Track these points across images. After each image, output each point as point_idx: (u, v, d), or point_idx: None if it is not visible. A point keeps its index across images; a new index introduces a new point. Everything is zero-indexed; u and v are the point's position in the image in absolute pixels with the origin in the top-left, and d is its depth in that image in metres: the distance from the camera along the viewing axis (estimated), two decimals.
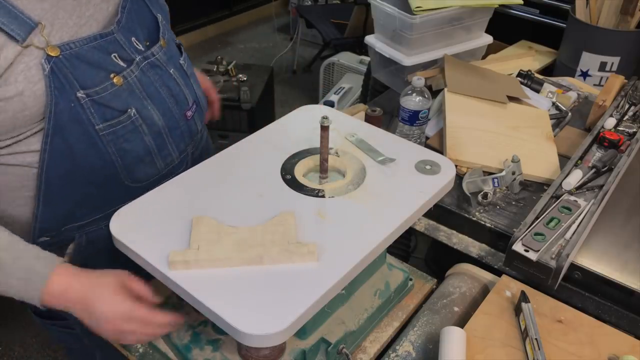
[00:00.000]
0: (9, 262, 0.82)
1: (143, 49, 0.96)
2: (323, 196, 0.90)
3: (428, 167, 0.96)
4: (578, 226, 1.04)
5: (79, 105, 0.86)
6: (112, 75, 0.90)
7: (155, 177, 1.01)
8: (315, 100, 3.48)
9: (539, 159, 1.30)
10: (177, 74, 1.02)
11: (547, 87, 1.59)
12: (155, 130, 0.98)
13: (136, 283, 0.85)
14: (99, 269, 0.87)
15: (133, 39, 0.94)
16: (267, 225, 0.82)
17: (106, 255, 0.94)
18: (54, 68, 0.82)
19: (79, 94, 0.86)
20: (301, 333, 0.88)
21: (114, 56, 0.90)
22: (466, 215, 1.19)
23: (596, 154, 1.26)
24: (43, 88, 0.82)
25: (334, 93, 2.89)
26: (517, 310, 0.93)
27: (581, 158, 1.24)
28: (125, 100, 0.92)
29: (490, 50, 1.80)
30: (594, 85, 1.78)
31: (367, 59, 2.96)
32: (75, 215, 0.96)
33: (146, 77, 0.95)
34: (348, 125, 1.08)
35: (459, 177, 1.22)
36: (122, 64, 0.91)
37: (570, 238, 1.02)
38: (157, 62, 0.97)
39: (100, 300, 0.82)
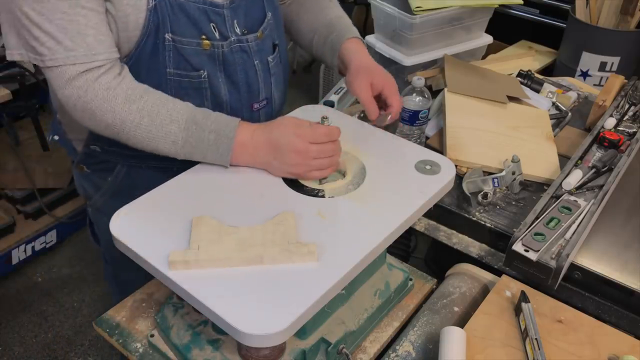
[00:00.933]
0: (200, 119, 0.93)
1: (240, 34, 1.03)
2: (323, 196, 0.90)
3: (428, 167, 0.96)
4: (578, 226, 1.04)
5: (162, 45, 0.95)
6: (203, 37, 0.98)
7: None
8: (315, 100, 3.48)
9: (539, 159, 1.30)
10: (260, 67, 1.07)
11: (547, 87, 1.59)
12: (217, 102, 1.04)
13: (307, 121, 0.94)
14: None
15: (235, 21, 1.02)
16: (267, 225, 0.82)
17: (138, 192, 0.97)
18: (157, 5, 0.92)
19: (166, 36, 0.95)
20: (301, 333, 0.88)
21: (213, 25, 0.99)
22: (466, 215, 1.19)
23: (596, 154, 1.26)
24: (142, 19, 0.92)
25: (334, 93, 2.88)
26: (517, 310, 0.93)
27: (581, 158, 1.24)
28: (203, 62, 1.00)
29: (490, 50, 1.80)
30: (594, 85, 1.78)
31: None
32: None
33: (232, 57, 1.03)
34: (348, 126, 1.08)
35: (459, 177, 1.22)
36: (217, 35, 0.99)
37: (570, 238, 1.02)
38: (247, 48, 1.04)
39: (284, 135, 0.92)
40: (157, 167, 1.07)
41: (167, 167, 1.02)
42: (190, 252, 0.77)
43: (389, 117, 1.08)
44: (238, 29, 1.03)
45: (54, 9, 0.85)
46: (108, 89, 0.91)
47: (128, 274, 1.14)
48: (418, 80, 1.30)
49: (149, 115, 0.92)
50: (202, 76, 1.00)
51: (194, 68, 0.99)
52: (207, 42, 0.98)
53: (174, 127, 0.92)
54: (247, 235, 0.81)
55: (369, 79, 1.06)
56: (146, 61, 0.96)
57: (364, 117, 1.37)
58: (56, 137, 1.19)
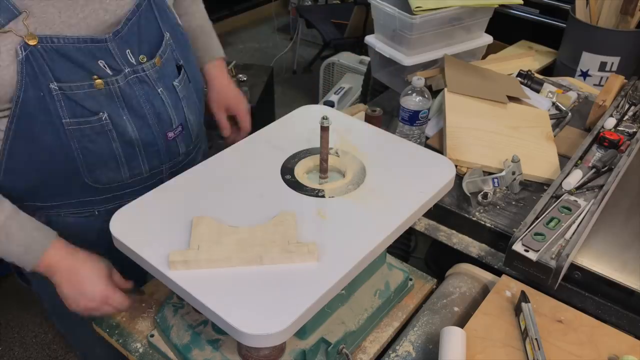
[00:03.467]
0: (14, 230, 0.89)
1: (135, 63, 0.95)
2: (323, 196, 0.90)
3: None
4: (578, 226, 1.04)
5: (49, 95, 0.87)
6: (94, 77, 0.90)
7: (118, 183, 1.02)
8: (315, 100, 3.48)
9: (539, 159, 1.30)
10: (165, 94, 1.00)
11: (547, 87, 1.59)
12: (126, 140, 0.97)
13: (117, 275, 0.96)
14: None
15: (128, 51, 0.94)
16: (268, 225, 0.82)
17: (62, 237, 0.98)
18: (29, 56, 0.84)
19: (51, 86, 0.87)
20: (301, 333, 0.88)
21: (101, 63, 0.91)
22: (466, 215, 1.19)
23: (596, 154, 1.26)
24: (12, 73, 0.84)
25: (334, 93, 2.89)
26: (517, 310, 0.93)
27: (581, 158, 1.24)
28: (100, 104, 0.92)
29: (490, 50, 1.80)
30: (594, 85, 1.78)
31: (367, 59, 2.95)
32: (36, 195, 0.99)
33: (131, 90, 0.95)
34: (348, 126, 1.08)
35: (459, 177, 1.22)
36: (108, 71, 0.92)
37: (570, 238, 1.02)
38: (145, 78, 0.97)
39: (88, 279, 0.92)
40: (77, 214, 1.04)
41: (87, 211, 1.03)
42: (190, 252, 0.77)
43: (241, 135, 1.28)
44: (133, 58, 0.95)
45: None
46: None
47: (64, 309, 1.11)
48: (418, 80, 1.30)
49: None
50: (103, 118, 0.93)
51: (92, 112, 0.91)
52: (99, 81, 0.90)
53: None
54: (247, 236, 0.81)
55: (224, 103, 1.26)
56: (34, 116, 0.88)
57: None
58: None
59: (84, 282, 0.92)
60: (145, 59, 0.96)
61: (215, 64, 1.26)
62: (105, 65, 0.91)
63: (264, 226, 0.82)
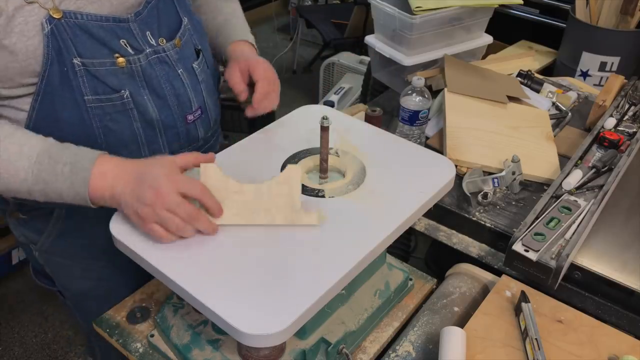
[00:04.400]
0: (55, 151, 0.83)
1: (155, 44, 0.96)
2: (323, 196, 0.90)
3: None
4: (578, 226, 1.04)
5: (72, 71, 0.87)
6: (116, 55, 0.91)
7: None
8: (315, 100, 3.48)
9: (539, 159, 1.30)
10: (185, 75, 1.01)
11: (547, 87, 1.59)
12: (146, 120, 0.97)
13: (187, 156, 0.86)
14: (75, 248, 0.94)
15: (148, 32, 0.95)
16: (272, 184, 0.85)
17: (83, 233, 0.98)
18: (54, 30, 0.84)
19: (74, 61, 0.87)
20: (301, 333, 0.88)
21: (123, 42, 0.92)
22: (466, 215, 1.19)
23: (596, 154, 1.26)
24: (37, 44, 0.83)
25: (334, 93, 2.89)
26: (517, 310, 0.93)
27: (581, 158, 1.24)
28: (122, 82, 0.92)
29: (490, 50, 1.80)
30: (594, 85, 1.78)
31: (367, 59, 2.96)
32: None
33: (152, 69, 0.96)
34: (348, 126, 1.08)
35: (459, 177, 1.22)
36: (130, 50, 0.93)
37: (570, 238, 1.02)
38: (166, 58, 0.98)
39: (154, 170, 0.80)
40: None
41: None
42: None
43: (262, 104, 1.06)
44: (153, 39, 0.96)
45: None
46: None
47: (90, 303, 1.13)
48: (418, 80, 1.30)
49: None
50: (125, 96, 0.93)
51: (113, 90, 0.92)
52: (121, 59, 0.91)
53: (24, 162, 0.82)
54: (252, 197, 0.84)
55: (238, 65, 1.08)
56: (58, 92, 0.88)
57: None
58: None
59: (152, 170, 0.81)
60: (164, 42, 0.98)
61: (238, 43, 1.15)
62: (127, 44, 0.92)
63: (269, 186, 0.84)
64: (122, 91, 0.93)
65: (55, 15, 0.83)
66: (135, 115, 0.96)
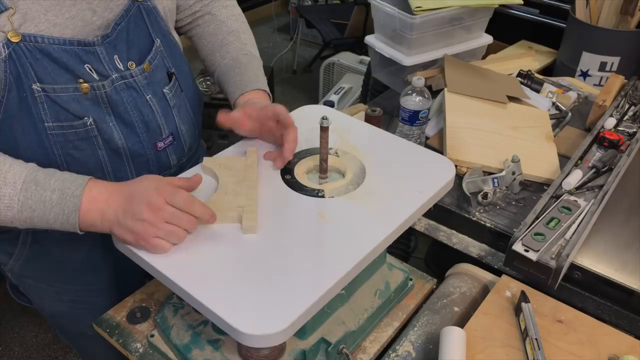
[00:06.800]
0: (42, 178, 0.80)
1: (123, 69, 0.92)
2: (323, 196, 0.90)
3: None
4: (578, 226, 1.04)
5: (32, 97, 0.84)
6: (80, 81, 0.87)
7: None
8: (315, 100, 3.48)
9: (539, 159, 1.30)
10: (154, 101, 0.97)
11: (547, 87, 1.59)
12: (112, 148, 0.94)
13: (174, 179, 0.85)
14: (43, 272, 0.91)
15: (116, 56, 0.91)
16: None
17: (52, 258, 0.96)
18: (12, 54, 0.81)
19: (34, 86, 0.84)
20: (301, 333, 0.88)
21: (87, 67, 0.88)
22: (466, 215, 1.19)
23: (596, 154, 1.26)
24: None
25: (334, 93, 2.89)
26: (517, 310, 0.93)
27: (581, 158, 1.24)
28: (85, 108, 0.89)
29: (490, 50, 1.80)
30: (594, 85, 1.78)
31: (367, 59, 2.96)
32: None
33: (118, 96, 0.92)
34: (348, 126, 1.08)
35: (459, 177, 1.22)
36: (95, 75, 0.89)
37: (570, 238, 1.02)
38: (133, 83, 0.94)
39: (142, 186, 0.79)
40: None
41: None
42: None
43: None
44: (121, 64, 0.91)
45: None
46: None
47: (66, 322, 1.12)
48: (418, 80, 1.30)
49: None
50: (88, 123, 0.89)
51: (76, 116, 0.88)
52: (85, 85, 0.87)
53: (9, 189, 0.79)
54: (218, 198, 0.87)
55: (246, 111, 0.99)
56: (17, 119, 0.85)
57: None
58: None
59: (140, 186, 0.79)
60: (133, 66, 0.94)
61: (247, 95, 1.06)
62: (92, 70, 0.88)
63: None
64: (86, 118, 0.89)
65: (13, 39, 0.80)
66: (100, 143, 0.92)
